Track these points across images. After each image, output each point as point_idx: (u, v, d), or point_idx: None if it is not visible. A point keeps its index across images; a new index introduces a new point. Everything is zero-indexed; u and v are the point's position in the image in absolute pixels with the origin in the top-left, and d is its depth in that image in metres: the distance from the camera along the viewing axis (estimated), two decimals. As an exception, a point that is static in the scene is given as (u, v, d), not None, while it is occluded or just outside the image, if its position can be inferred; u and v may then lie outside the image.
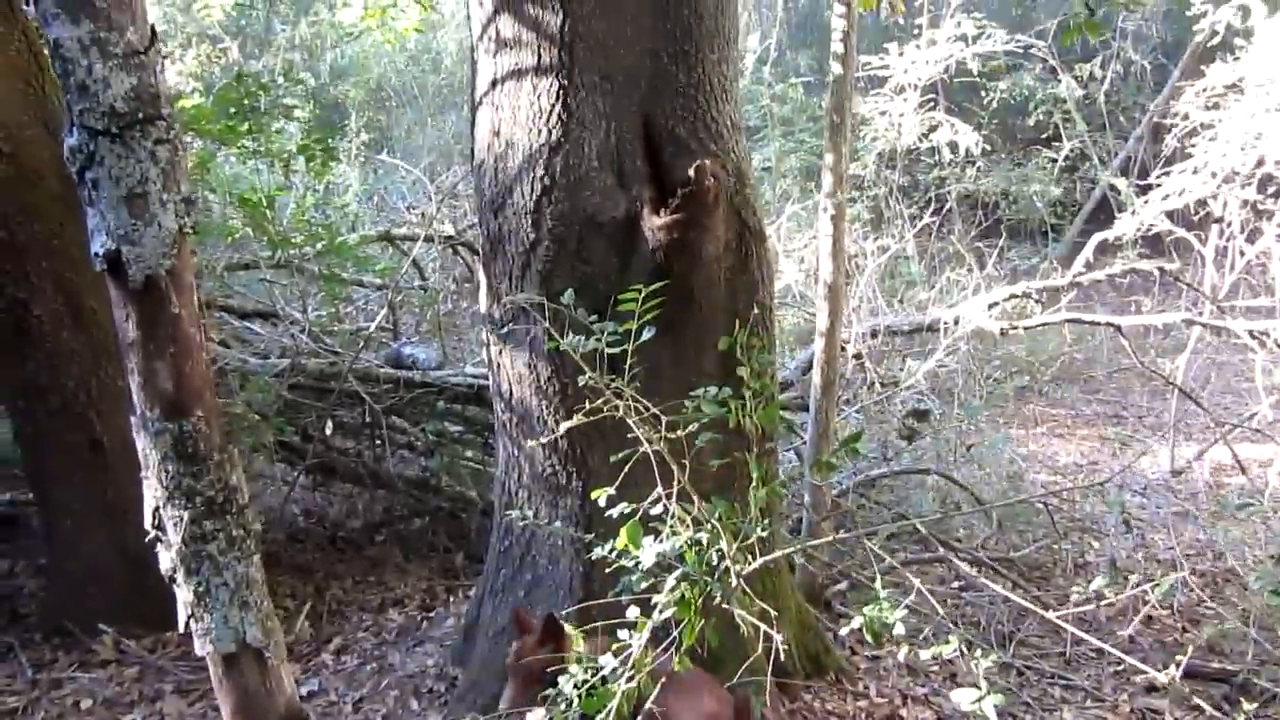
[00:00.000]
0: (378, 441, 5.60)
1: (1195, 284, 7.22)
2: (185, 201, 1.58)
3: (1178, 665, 1.92)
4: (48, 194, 4.27)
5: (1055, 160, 12.61)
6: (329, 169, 5.08)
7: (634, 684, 2.04)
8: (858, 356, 6.24)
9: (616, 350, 3.48)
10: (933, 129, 8.88)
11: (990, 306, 5.86)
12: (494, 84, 3.49)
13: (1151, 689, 4.35)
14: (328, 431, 5.01)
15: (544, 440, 3.52)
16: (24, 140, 4.22)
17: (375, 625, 4.80)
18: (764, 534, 2.11)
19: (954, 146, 8.76)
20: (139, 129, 1.52)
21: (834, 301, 4.66)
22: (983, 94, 12.59)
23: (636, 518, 2.03)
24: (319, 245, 5.26)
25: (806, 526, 4.66)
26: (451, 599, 5.08)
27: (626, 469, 2.22)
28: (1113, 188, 11.41)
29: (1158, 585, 2.05)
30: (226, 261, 5.92)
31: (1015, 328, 5.68)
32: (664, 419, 2.17)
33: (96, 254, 1.58)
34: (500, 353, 3.74)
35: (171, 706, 4.11)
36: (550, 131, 3.38)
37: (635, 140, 3.45)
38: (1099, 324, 5.79)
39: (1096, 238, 6.09)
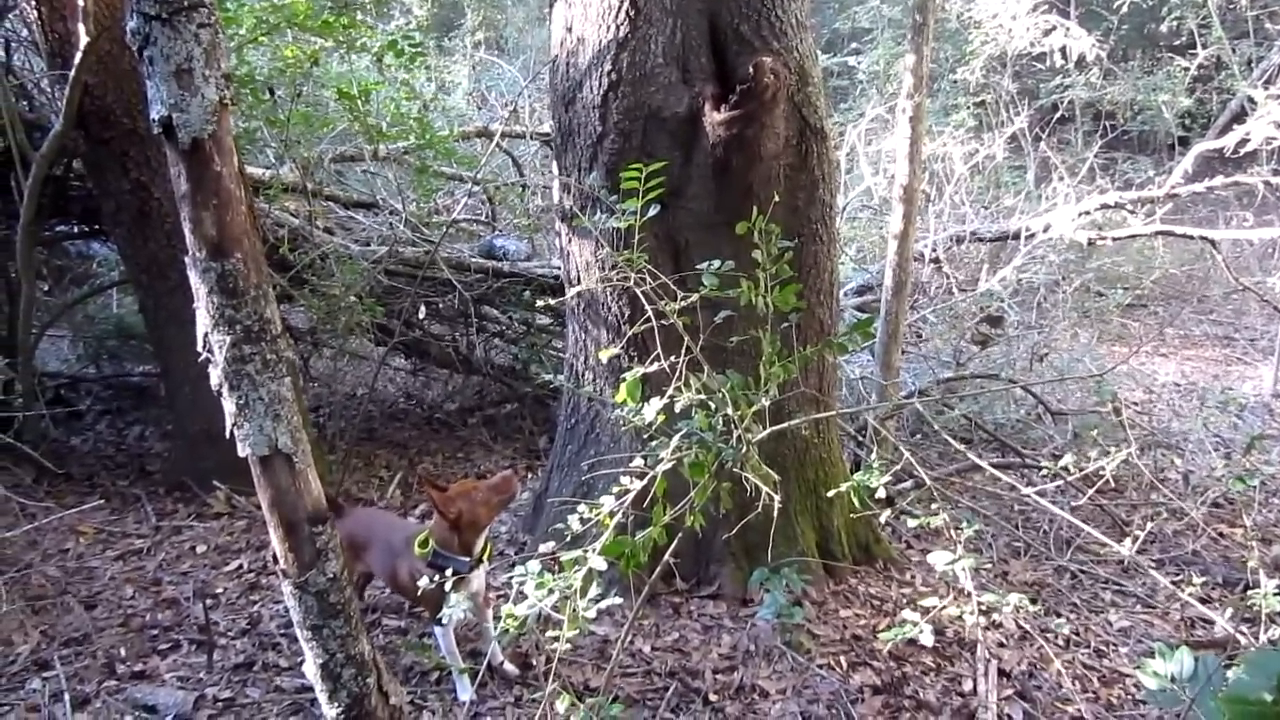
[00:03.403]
0: (469, 328, 5.91)
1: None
2: (224, 77, 1.85)
3: (1135, 540, 2.03)
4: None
5: (1188, 69, 11.95)
6: (419, 64, 5.29)
7: (650, 532, 2.25)
8: (936, 261, 6.23)
9: (682, 242, 3.70)
10: (1047, 33, 8.55)
11: (1080, 215, 5.75)
12: (568, -20, 3.63)
13: (1205, 600, 4.39)
14: (420, 315, 5.31)
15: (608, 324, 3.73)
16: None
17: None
18: (769, 403, 2.27)
19: (1064, 52, 8.43)
20: (184, 14, 1.78)
21: (909, 205, 4.70)
22: (1114, -3, 11.97)
23: (636, 375, 2.22)
24: (412, 138, 5.52)
25: (871, 424, 4.79)
26: (530, 476, 5.41)
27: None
28: (1250, 99, 10.84)
29: (1111, 459, 2.15)
30: (333, 154, 6.24)
31: (1103, 239, 5.59)
32: (679, 293, 2.35)
33: (153, 120, 1.88)
34: (570, 241, 3.94)
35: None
36: (618, 28, 3.51)
37: (700, 37, 3.55)
38: (1190, 237, 5.64)
39: (1198, 148, 5.87)
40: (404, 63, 5.00)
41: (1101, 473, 2.13)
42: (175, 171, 1.88)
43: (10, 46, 5.48)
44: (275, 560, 2.20)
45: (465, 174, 6.70)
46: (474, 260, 5.76)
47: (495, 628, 2.93)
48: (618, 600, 2.10)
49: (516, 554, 4.37)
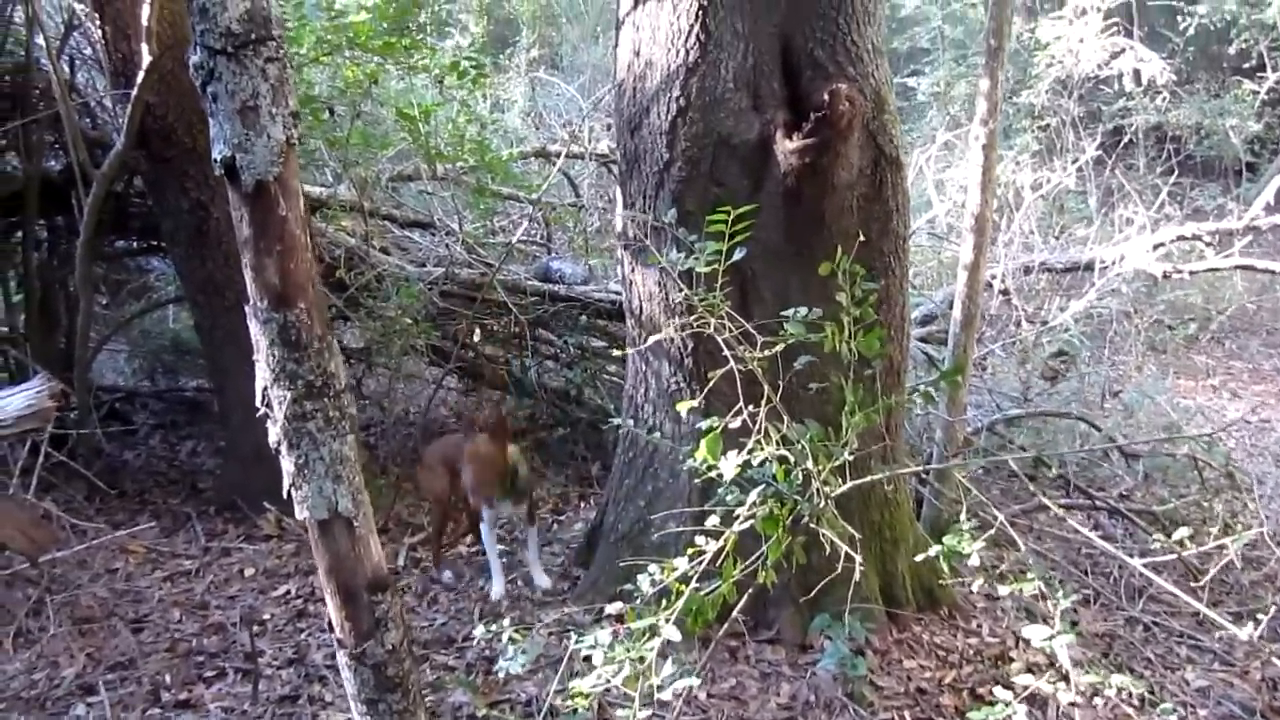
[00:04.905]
0: (524, 351, 5.83)
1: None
2: (292, 115, 1.75)
3: (1257, 623, 1.87)
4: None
5: (1257, 92, 11.60)
6: (481, 85, 5.25)
7: (720, 588, 2.13)
8: (1005, 293, 6.04)
9: (749, 273, 3.59)
10: (1115, 55, 8.32)
11: (1155, 247, 5.55)
12: (636, 3, 3.53)
13: (1289, 656, 4.16)
14: (475, 338, 5.25)
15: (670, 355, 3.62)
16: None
17: (510, 525, 5.05)
18: (851, 457, 2.14)
19: (1138, 76, 8.20)
20: (251, 48, 1.69)
21: (980, 235, 4.52)
22: (1180, 18, 11.69)
23: (717, 430, 2.10)
24: (471, 159, 5.46)
25: (936, 462, 4.62)
26: (582, 505, 5.30)
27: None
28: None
29: (1237, 538, 1.99)
30: (390, 173, 6.21)
31: (1179, 271, 5.38)
32: (759, 339, 2.23)
33: (216, 160, 1.79)
34: (633, 270, 3.84)
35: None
36: (688, 52, 3.41)
37: (773, 62, 3.44)
38: (1273, 272, 5.41)
39: (1278, 179, 5.63)
40: (465, 84, 4.95)
41: (1224, 550, 1.97)
42: (237, 215, 1.79)
43: (75, 65, 5.52)
44: (331, 629, 2.10)
45: (522, 195, 6.63)
46: (530, 283, 5.68)
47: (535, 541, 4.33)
48: (694, 681, 1.97)
49: (569, 588, 4.26)
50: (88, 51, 5.44)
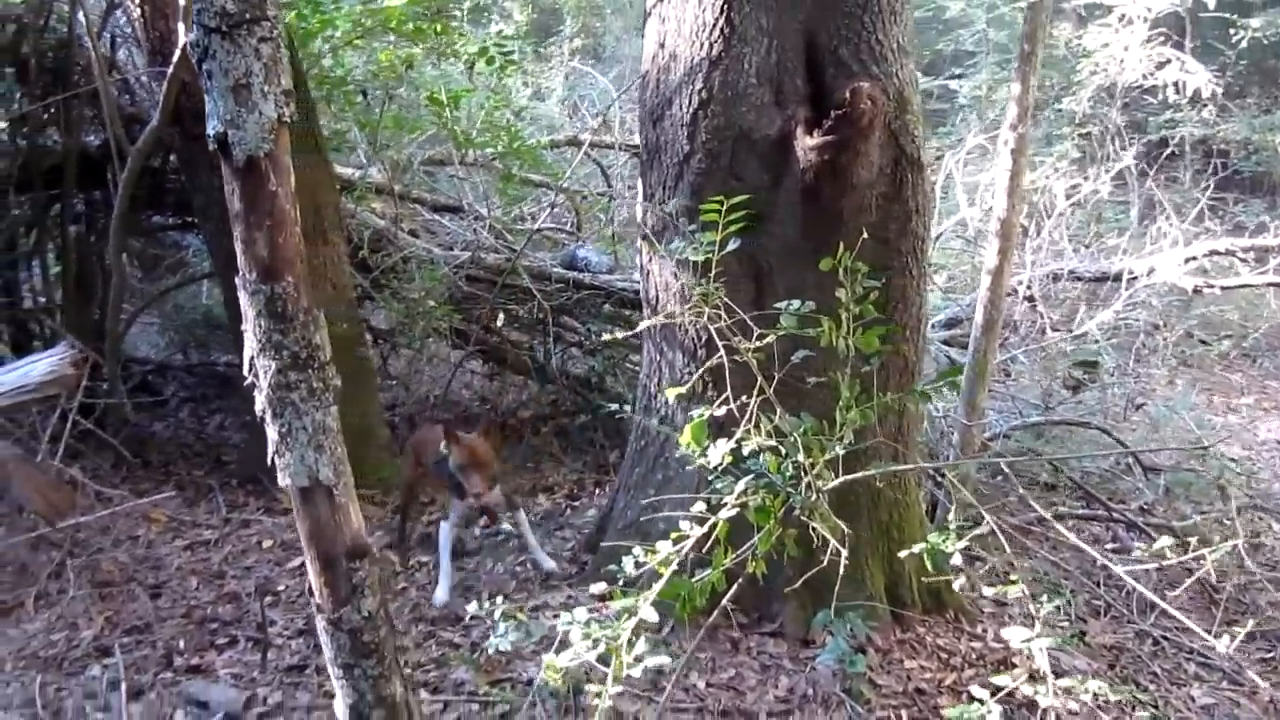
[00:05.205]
0: (547, 337, 5.87)
1: None
2: (285, 93, 1.80)
3: (1233, 637, 1.86)
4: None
5: (1311, 108, 11.42)
6: (509, 72, 5.29)
7: (708, 576, 2.15)
8: (1030, 299, 5.99)
9: (765, 267, 3.59)
10: (1161, 65, 8.19)
11: (1186, 261, 5.48)
12: (663, -5, 3.55)
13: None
14: (498, 322, 5.30)
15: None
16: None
17: (525, 507, 5.10)
18: (843, 451, 2.15)
19: (1179, 87, 8.07)
20: (245, 28, 1.75)
21: (1005, 239, 4.50)
22: (1232, 31, 11.50)
23: (703, 418, 2.12)
24: (499, 146, 5.51)
25: (950, 479, 4.59)
26: (597, 491, 5.33)
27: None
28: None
29: (1214, 550, 1.98)
30: (422, 158, 6.27)
31: (1210, 286, 5.31)
32: (755, 330, 2.24)
33: (209, 135, 1.84)
34: (650, 260, 3.86)
35: (335, 554, 4.56)
36: (711, 45, 3.42)
37: (796, 58, 3.44)
38: (1307, 289, 5.33)
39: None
40: (495, 70, 4.99)
41: (1202, 561, 1.96)
42: (229, 190, 1.84)
43: (115, 42, 5.62)
44: (310, 593, 2.15)
45: (552, 182, 6.68)
46: (555, 270, 5.72)
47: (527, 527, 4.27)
48: (664, 659, 2.00)
49: (576, 572, 4.29)
50: (128, 29, 5.54)
